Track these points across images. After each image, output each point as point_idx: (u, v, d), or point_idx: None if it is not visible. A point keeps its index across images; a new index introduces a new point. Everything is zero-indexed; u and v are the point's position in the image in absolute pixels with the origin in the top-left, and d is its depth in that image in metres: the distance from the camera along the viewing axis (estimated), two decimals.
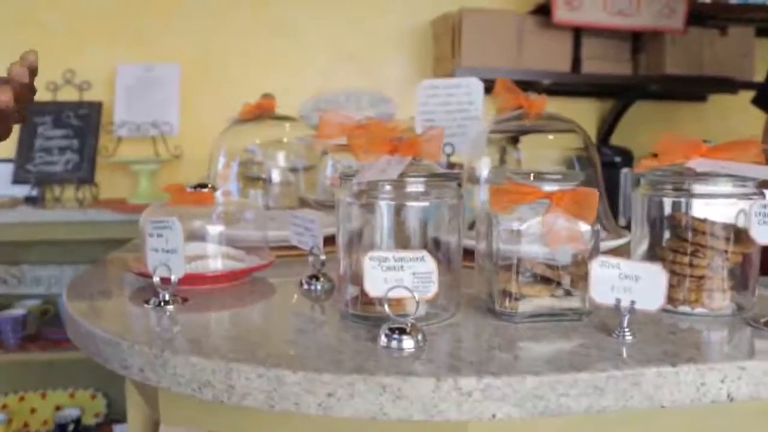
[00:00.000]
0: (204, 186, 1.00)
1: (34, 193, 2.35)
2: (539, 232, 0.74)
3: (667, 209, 0.85)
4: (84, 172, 2.35)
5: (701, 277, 0.80)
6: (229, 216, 1.00)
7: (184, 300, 0.85)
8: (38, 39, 2.45)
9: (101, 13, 2.52)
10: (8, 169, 2.37)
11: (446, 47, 2.46)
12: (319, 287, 0.93)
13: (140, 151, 2.42)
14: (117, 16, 2.53)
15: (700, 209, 0.82)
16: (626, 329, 0.71)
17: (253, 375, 0.60)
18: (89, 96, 2.46)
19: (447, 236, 0.76)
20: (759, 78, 2.64)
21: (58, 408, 2.47)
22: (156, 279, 0.83)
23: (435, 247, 0.76)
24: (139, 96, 2.33)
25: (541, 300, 0.77)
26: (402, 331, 0.67)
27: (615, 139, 2.70)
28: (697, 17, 2.44)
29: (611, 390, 0.60)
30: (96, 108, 2.42)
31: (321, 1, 2.68)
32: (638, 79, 2.50)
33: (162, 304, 0.83)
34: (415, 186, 0.74)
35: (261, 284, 0.98)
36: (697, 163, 0.80)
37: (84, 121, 2.40)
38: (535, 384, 0.59)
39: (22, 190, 2.37)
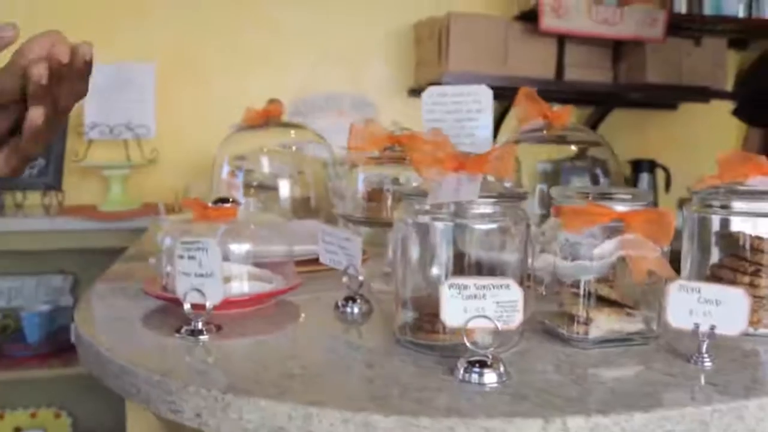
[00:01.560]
0: (226, 200, 0.93)
1: None
2: (607, 255, 0.71)
3: (715, 226, 0.84)
4: (50, 178, 2.21)
5: (762, 297, 0.78)
6: (254, 232, 0.93)
7: (218, 327, 0.78)
8: None
9: (66, 8, 2.37)
10: None
11: (431, 51, 2.42)
12: (356, 310, 0.87)
13: (112, 155, 2.29)
14: (83, 10, 2.39)
15: (755, 227, 0.81)
16: (705, 355, 0.68)
17: (338, 420, 0.54)
18: None
19: (513, 259, 0.72)
20: (731, 87, 2.72)
21: (17, 430, 2.31)
22: (187, 306, 0.76)
23: (500, 270, 0.71)
24: (111, 96, 2.20)
25: (609, 324, 0.73)
26: (482, 364, 0.63)
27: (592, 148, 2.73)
28: (673, 27, 2.48)
29: (716, 424, 0.57)
30: None
31: (304, 3, 2.61)
32: (619, 87, 2.53)
33: (194, 333, 0.76)
34: (483, 207, 0.69)
35: (287, 306, 0.91)
36: (758, 182, 0.79)
37: None
38: (643, 421, 0.55)
39: None
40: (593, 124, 2.65)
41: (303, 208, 1.26)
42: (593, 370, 0.66)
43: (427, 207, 0.70)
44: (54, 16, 2.37)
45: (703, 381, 0.63)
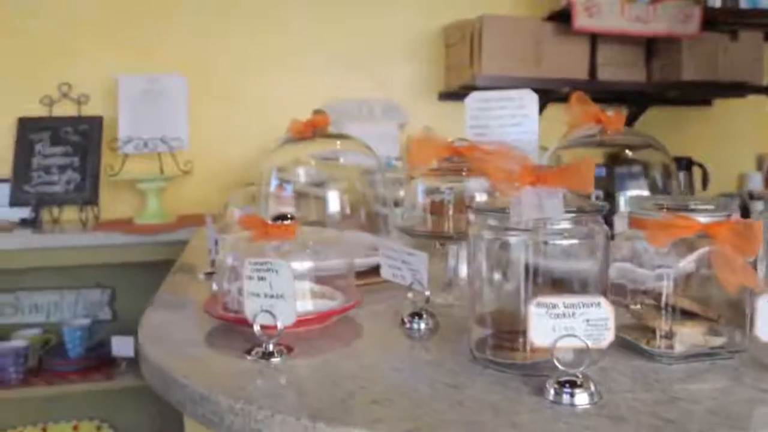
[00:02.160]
0: (285, 217, 0.92)
1: (31, 215, 2.21)
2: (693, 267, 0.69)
3: None
4: (87, 193, 2.22)
5: None
6: (314, 248, 0.92)
7: (289, 349, 0.77)
8: (25, 49, 2.32)
9: (93, 21, 2.39)
10: (4, 190, 2.22)
11: (462, 54, 2.41)
12: (423, 326, 0.85)
13: (146, 167, 2.30)
14: (111, 23, 2.41)
15: None
16: None
17: None
18: (88, 110, 2.33)
19: (594, 273, 0.70)
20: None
21: None
22: (257, 328, 0.75)
23: (581, 285, 0.70)
24: (143, 109, 2.21)
25: (693, 338, 0.71)
26: (572, 384, 0.61)
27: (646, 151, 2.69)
28: (708, 22, 2.44)
29: None
30: (97, 123, 2.30)
31: (328, 8, 2.60)
32: (653, 85, 2.49)
33: (265, 355, 0.75)
34: (565, 222, 0.67)
35: (349, 322, 0.90)
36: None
37: (84, 137, 2.27)
38: None
39: (18, 213, 2.23)
40: (628, 123, 2.61)
41: (352, 219, 1.25)
42: (683, 387, 0.64)
43: (506, 223, 0.68)
44: (81, 30, 2.39)
45: None
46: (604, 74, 2.41)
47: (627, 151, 1.15)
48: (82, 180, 2.24)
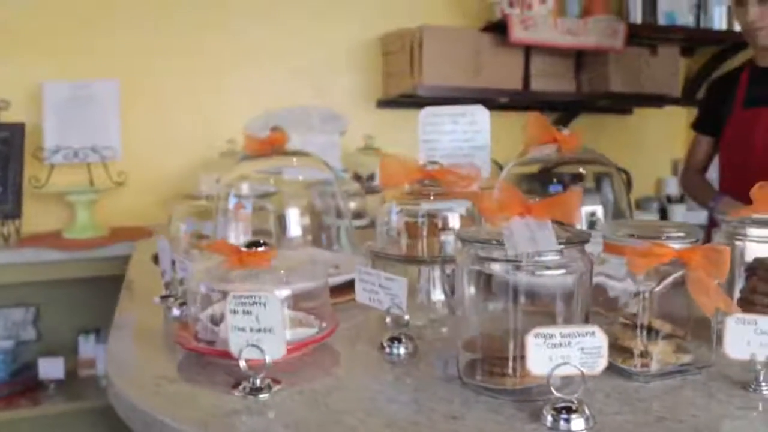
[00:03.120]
0: (258, 243, 0.90)
1: None
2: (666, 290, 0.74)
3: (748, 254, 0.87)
4: (9, 205, 2.08)
5: None
6: (289, 274, 0.91)
7: (276, 382, 0.75)
8: None
9: (15, 24, 2.24)
10: None
11: (401, 63, 2.43)
12: (402, 350, 0.86)
13: (74, 178, 2.18)
14: (35, 27, 2.26)
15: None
16: (763, 383, 0.71)
17: None
18: (9, 117, 2.17)
19: (581, 299, 0.73)
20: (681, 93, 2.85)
21: None
22: (243, 363, 0.73)
23: (566, 311, 0.72)
24: (72, 117, 2.09)
25: (666, 356, 0.76)
26: (568, 410, 0.64)
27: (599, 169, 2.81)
28: (630, 37, 2.58)
29: None
30: (18, 130, 2.14)
31: (267, 15, 2.55)
32: (582, 96, 2.61)
33: (253, 390, 0.73)
34: (553, 254, 0.70)
35: (325, 348, 0.89)
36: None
37: (5, 145, 2.12)
38: None
39: None
40: None
41: (313, 237, 1.24)
42: (663, 405, 0.68)
43: (496, 254, 0.70)
44: (10, 31, 2.24)
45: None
46: (537, 84, 2.50)
47: (580, 169, 1.20)
48: (3, 191, 2.09)
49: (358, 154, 2.46)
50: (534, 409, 0.67)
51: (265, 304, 0.74)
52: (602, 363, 0.64)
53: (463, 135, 1.48)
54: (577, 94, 2.60)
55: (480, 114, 1.48)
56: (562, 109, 2.75)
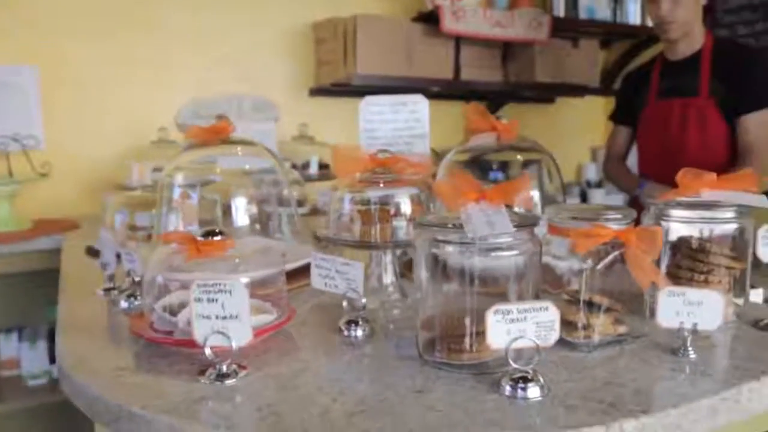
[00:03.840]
0: (214, 233, 0.90)
1: None
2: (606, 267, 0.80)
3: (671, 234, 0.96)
4: None
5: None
6: (246, 262, 0.91)
7: (242, 368, 0.77)
8: None
9: None
10: None
11: (335, 52, 2.43)
12: (360, 332, 0.89)
13: None
14: None
15: (701, 233, 0.94)
16: (690, 348, 0.79)
17: None
18: None
19: (532, 278, 0.78)
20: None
21: None
22: (208, 351, 0.74)
23: (520, 289, 0.77)
24: None
25: (605, 328, 0.83)
26: (525, 380, 0.69)
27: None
28: (554, 30, 2.69)
29: (724, 410, 0.68)
30: None
31: (197, 1, 2.49)
32: (509, 86, 2.70)
33: (220, 376, 0.74)
34: (506, 236, 0.74)
35: (283, 333, 0.91)
36: (709, 194, 0.91)
37: None
38: (677, 415, 0.64)
39: None
40: None
41: (260, 225, 1.24)
42: (607, 372, 0.74)
43: (453, 237, 0.74)
44: None
45: (704, 373, 0.74)
46: (467, 74, 2.58)
47: (518, 156, 1.26)
48: None
49: (292, 142, 2.45)
50: (492, 381, 0.71)
51: (230, 292, 0.75)
52: (554, 336, 0.69)
53: (404, 124, 1.52)
54: (504, 83, 2.70)
55: (420, 103, 1.52)
56: (490, 99, 2.85)
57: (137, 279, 1.08)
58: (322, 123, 2.55)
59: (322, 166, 2.28)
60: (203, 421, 0.64)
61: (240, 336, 0.75)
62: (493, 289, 0.77)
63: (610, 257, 0.79)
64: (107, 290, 1.17)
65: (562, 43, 2.75)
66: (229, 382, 0.74)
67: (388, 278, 1.02)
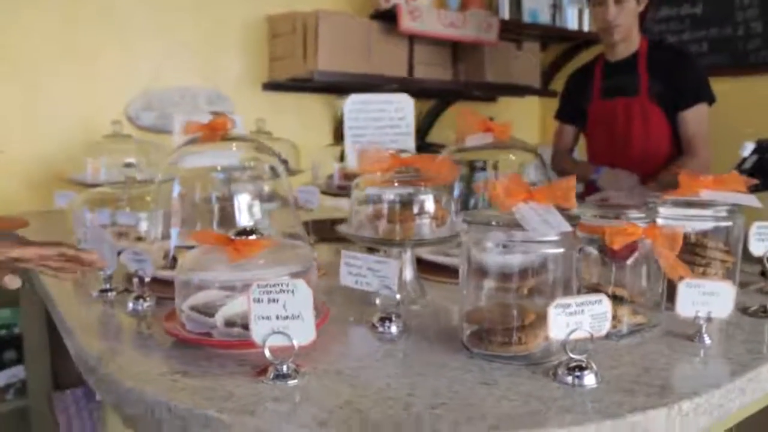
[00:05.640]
0: (247, 232, 0.89)
1: None
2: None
3: None
4: None
5: None
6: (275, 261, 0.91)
7: (299, 366, 0.77)
8: None
9: None
10: None
11: (291, 47, 2.41)
12: (394, 329, 0.92)
13: None
14: None
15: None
16: (705, 335, 0.88)
17: None
18: None
19: (567, 275, 0.83)
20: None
21: None
22: (268, 352, 0.74)
23: (564, 285, 0.82)
24: None
25: (629, 318, 0.90)
26: (580, 368, 0.74)
27: (432, 136, 2.97)
28: (500, 32, 2.80)
29: (750, 390, 0.76)
30: None
31: None
32: (460, 85, 2.78)
33: (281, 377, 0.75)
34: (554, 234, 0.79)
35: (323, 332, 0.92)
36: (706, 194, 1.00)
37: None
38: (718, 397, 0.71)
39: None
40: (435, 115, 2.89)
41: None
42: (641, 358, 0.81)
43: (500, 234, 0.78)
44: None
45: (720, 356, 0.82)
46: (419, 72, 2.63)
47: (511, 156, 1.32)
48: None
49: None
50: (544, 370, 0.76)
51: (293, 291, 0.75)
52: (607, 326, 0.75)
53: (389, 122, 1.54)
54: (454, 82, 2.77)
55: (405, 102, 1.56)
56: (441, 97, 2.91)
57: (147, 279, 1.05)
58: (276, 118, 2.52)
59: (283, 161, 2.26)
60: (292, 421, 0.64)
61: (302, 335, 0.75)
62: (536, 283, 0.81)
63: (636, 254, 0.86)
64: (103, 291, 1.13)
65: (507, 44, 2.86)
66: (292, 382, 0.74)
67: (408, 275, 1.05)
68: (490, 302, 0.84)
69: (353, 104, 1.51)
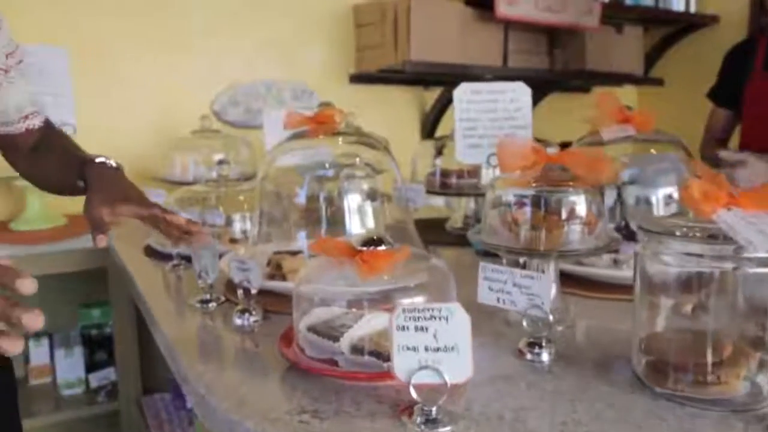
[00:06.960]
0: (375, 242, 0.77)
1: None
2: None
3: None
4: None
5: None
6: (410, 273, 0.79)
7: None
8: None
9: None
10: None
11: (380, 37, 2.29)
12: (545, 355, 0.78)
13: None
14: None
15: None
16: None
17: None
18: None
19: None
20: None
21: None
22: (412, 390, 0.62)
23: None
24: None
25: None
26: None
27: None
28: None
29: None
30: None
31: None
32: (555, 74, 2.59)
33: (431, 422, 0.62)
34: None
35: None
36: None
37: None
38: None
39: None
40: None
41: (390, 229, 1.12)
42: None
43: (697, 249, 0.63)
44: None
45: None
46: (514, 61, 2.46)
47: (652, 151, 1.16)
48: None
49: None
50: (755, 419, 0.60)
51: (447, 318, 0.62)
52: None
53: (504, 113, 1.40)
54: (550, 72, 2.58)
55: (521, 91, 1.41)
56: (535, 87, 2.72)
57: (254, 291, 0.95)
58: (365, 111, 2.41)
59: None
60: None
61: (457, 372, 0.62)
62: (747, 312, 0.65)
63: None
64: (203, 302, 1.04)
65: (608, 29, 2.64)
66: (444, 429, 0.61)
67: (552, 291, 0.90)
68: (671, 328, 0.69)
69: (463, 94, 1.37)
